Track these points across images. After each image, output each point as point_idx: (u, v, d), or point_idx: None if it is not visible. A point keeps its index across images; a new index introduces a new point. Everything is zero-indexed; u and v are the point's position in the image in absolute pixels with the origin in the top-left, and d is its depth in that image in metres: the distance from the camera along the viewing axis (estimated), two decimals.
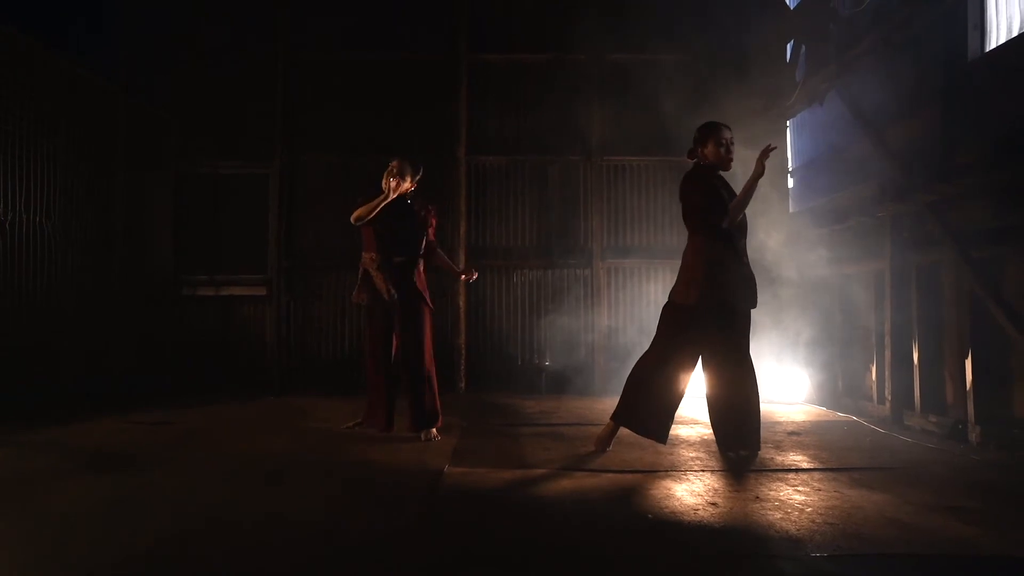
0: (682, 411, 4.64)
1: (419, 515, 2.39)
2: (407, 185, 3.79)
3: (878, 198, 4.62)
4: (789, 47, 6.08)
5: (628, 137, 6.35)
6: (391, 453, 3.39)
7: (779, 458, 3.32)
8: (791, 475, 2.97)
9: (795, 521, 2.30)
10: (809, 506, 2.48)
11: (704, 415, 3.64)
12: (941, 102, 4.17)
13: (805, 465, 3.18)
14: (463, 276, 4.17)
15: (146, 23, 6.14)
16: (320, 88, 6.37)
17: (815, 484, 2.80)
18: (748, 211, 3.40)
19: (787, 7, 6.14)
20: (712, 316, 3.29)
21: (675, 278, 3.46)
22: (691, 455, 3.39)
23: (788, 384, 5.50)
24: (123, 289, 5.56)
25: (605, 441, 3.45)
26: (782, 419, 4.58)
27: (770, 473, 3.02)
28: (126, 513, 2.39)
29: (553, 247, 6.36)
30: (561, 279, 6.35)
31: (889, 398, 4.48)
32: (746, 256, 3.42)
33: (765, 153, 3.24)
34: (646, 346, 3.47)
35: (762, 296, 5.32)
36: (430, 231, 3.95)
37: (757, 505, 2.50)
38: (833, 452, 3.49)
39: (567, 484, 2.81)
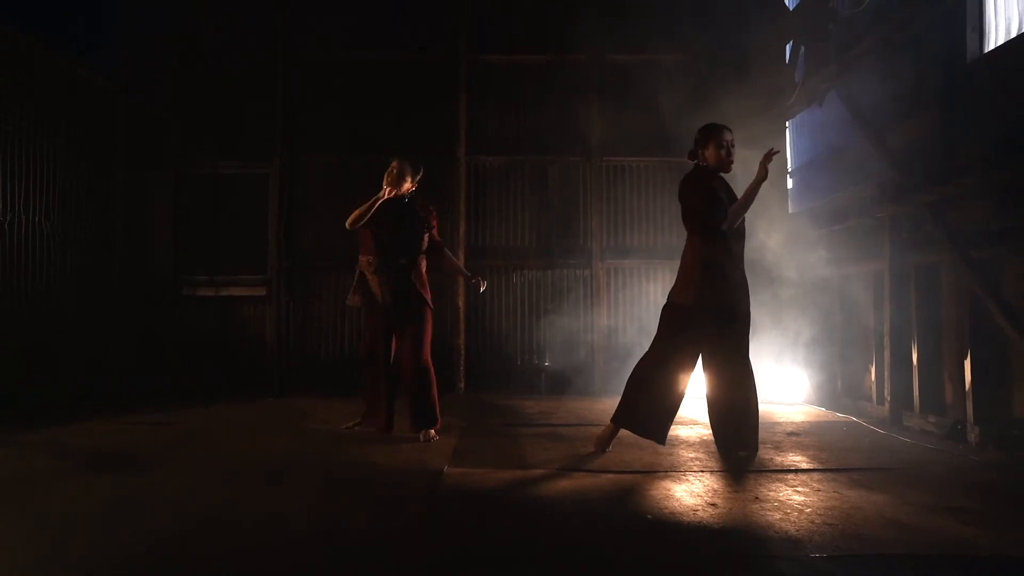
0: (682, 411, 4.64)
1: (419, 515, 2.39)
2: (408, 185, 3.79)
3: (877, 198, 4.62)
4: (788, 47, 6.09)
5: (628, 137, 6.35)
6: (391, 453, 3.39)
7: (778, 459, 3.32)
8: (790, 476, 2.98)
9: (794, 522, 2.30)
10: (808, 507, 2.48)
11: (703, 416, 3.64)
12: (941, 102, 4.18)
13: (804, 466, 3.18)
14: (473, 281, 3.98)
15: (146, 23, 6.14)
16: (320, 88, 6.38)
17: (814, 485, 2.81)
18: (747, 213, 3.41)
19: (786, 7, 6.14)
20: (711, 316, 3.29)
21: (675, 278, 3.47)
22: (690, 455, 3.39)
23: (787, 384, 5.50)
24: (123, 289, 5.56)
25: (605, 442, 3.45)
26: (781, 420, 4.58)
27: (769, 474, 3.02)
28: (126, 513, 2.39)
29: (553, 247, 6.36)
30: (561, 279, 6.35)
31: (888, 399, 4.48)
32: (742, 260, 3.42)
33: (768, 157, 3.24)
34: (646, 346, 3.47)
35: (762, 296, 5.39)
36: (433, 232, 3.94)
37: (756, 506, 2.51)
38: (832, 453, 3.49)
39: (567, 484, 2.81)
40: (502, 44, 6.41)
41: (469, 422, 4.41)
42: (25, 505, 2.48)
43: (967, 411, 3.76)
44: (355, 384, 4.01)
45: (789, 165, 6.53)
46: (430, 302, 3.83)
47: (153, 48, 6.15)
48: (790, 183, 6.50)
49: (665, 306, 3.43)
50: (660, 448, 3.45)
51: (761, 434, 3.44)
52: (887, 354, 4.52)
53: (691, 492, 2.70)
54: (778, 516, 2.37)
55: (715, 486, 2.80)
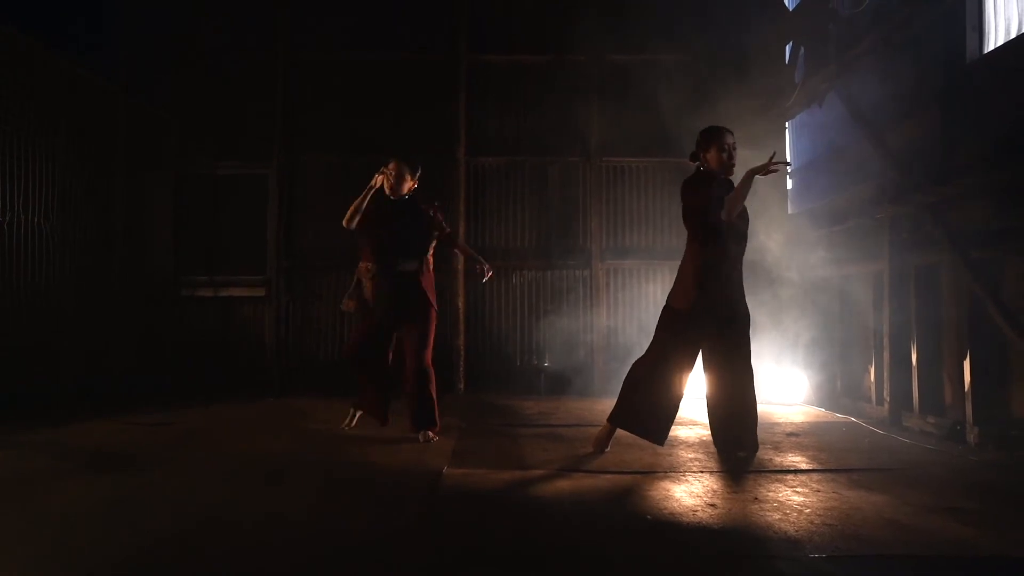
0: (681, 412, 4.65)
1: (419, 515, 2.39)
2: (409, 184, 3.77)
3: (877, 199, 4.62)
4: (788, 48, 6.09)
5: (628, 138, 6.35)
6: (391, 454, 3.39)
7: (778, 459, 3.33)
8: (790, 476, 2.98)
9: (794, 522, 2.31)
10: (808, 507, 2.48)
11: (703, 416, 3.64)
12: (941, 102, 4.18)
13: (804, 466, 3.18)
14: (478, 268, 3.94)
15: (146, 23, 6.14)
16: (320, 88, 6.38)
17: (814, 485, 2.81)
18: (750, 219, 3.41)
19: (786, 8, 6.15)
20: (710, 318, 3.29)
21: (674, 279, 3.47)
22: (690, 456, 3.39)
23: (787, 385, 5.50)
24: (123, 289, 5.56)
25: (603, 442, 3.45)
26: (781, 420, 4.58)
27: (769, 474, 3.02)
28: (126, 513, 2.39)
29: (552, 248, 6.36)
30: (560, 280, 6.35)
31: (888, 399, 4.48)
32: (740, 263, 3.41)
33: (771, 162, 3.16)
34: (646, 346, 3.47)
35: (762, 297, 5.40)
36: (442, 232, 3.94)
37: (756, 506, 2.51)
38: (832, 453, 3.49)
39: (566, 485, 2.82)
40: (502, 44, 6.42)
41: (469, 423, 4.41)
42: (25, 505, 2.48)
43: (966, 411, 3.76)
44: (355, 384, 4.00)
45: (788, 166, 6.52)
46: (435, 303, 3.83)
47: (153, 48, 6.15)
48: (790, 184, 6.50)
49: (664, 308, 3.43)
50: (659, 449, 3.45)
51: (760, 435, 3.44)
52: (886, 354, 4.53)
53: (690, 493, 2.70)
54: (777, 516, 2.37)
55: (714, 487, 2.80)
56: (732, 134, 3.41)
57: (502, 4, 6.45)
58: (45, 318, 4.66)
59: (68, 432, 3.89)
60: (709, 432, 3.55)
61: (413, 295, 3.74)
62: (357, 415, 4.04)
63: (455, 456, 3.34)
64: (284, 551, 2.02)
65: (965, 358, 3.80)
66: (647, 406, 3.34)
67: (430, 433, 3.71)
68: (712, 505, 2.53)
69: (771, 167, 3.13)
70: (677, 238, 6.26)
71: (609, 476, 2.97)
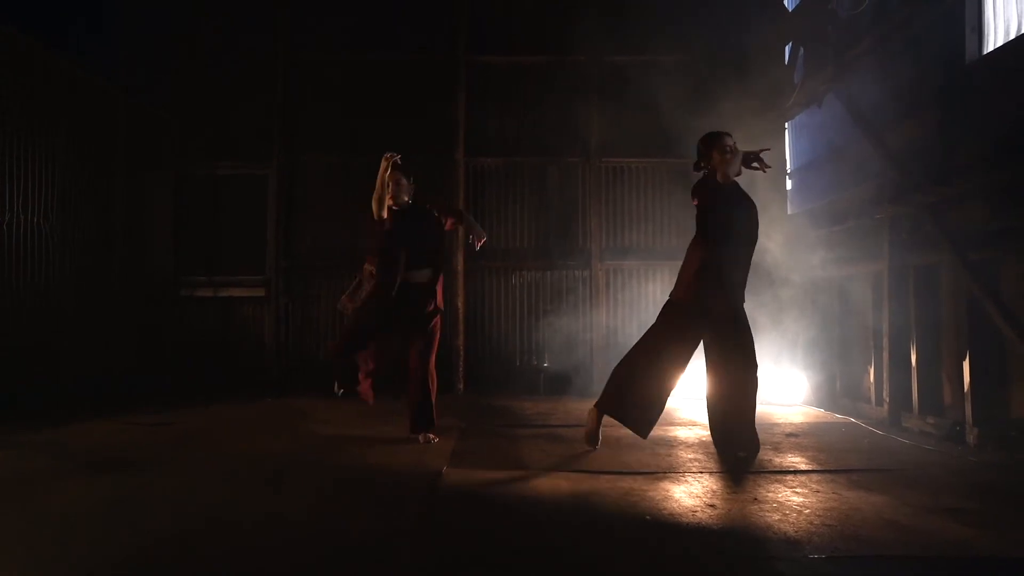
0: (680, 412, 4.66)
1: (419, 515, 2.39)
2: (410, 186, 3.76)
3: (877, 199, 4.63)
4: (788, 48, 6.09)
5: (627, 138, 6.35)
6: (390, 454, 3.39)
7: (777, 460, 3.33)
8: (789, 477, 2.98)
9: (793, 523, 2.31)
10: (807, 508, 2.48)
11: (702, 416, 3.65)
12: (940, 103, 4.18)
13: (803, 467, 3.18)
14: (471, 239, 3.95)
15: (146, 23, 6.15)
16: (320, 88, 6.38)
17: (813, 486, 2.81)
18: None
19: (786, 8, 6.15)
20: (709, 318, 3.29)
21: (674, 279, 3.48)
22: (689, 456, 3.39)
23: (786, 385, 5.50)
24: (123, 289, 5.56)
25: (593, 434, 3.46)
26: (780, 421, 4.58)
27: (768, 475, 3.02)
28: (126, 513, 2.39)
29: (552, 248, 6.37)
30: (560, 280, 6.35)
31: (887, 400, 4.48)
32: (747, 265, 3.40)
33: (761, 149, 3.35)
34: None
35: (762, 297, 5.40)
36: (448, 221, 3.91)
37: (755, 507, 2.51)
38: (831, 454, 3.49)
39: (565, 485, 2.82)
40: (502, 44, 6.42)
41: (468, 423, 4.41)
42: (25, 505, 2.48)
43: (966, 412, 3.76)
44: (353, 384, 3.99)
45: (788, 166, 6.53)
46: (443, 307, 3.84)
47: (153, 48, 6.16)
48: (789, 184, 6.50)
49: (665, 303, 3.46)
50: (659, 449, 3.45)
51: (760, 435, 3.44)
52: (886, 355, 4.53)
53: (690, 493, 2.70)
54: (777, 517, 2.37)
55: (714, 487, 2.80)
56: (730, 136, 3.41)
57: (502, 4, 6.45)
58: (45, 318, 4.66)
59: (68, 432, 3.89)
60: (709, 432, 3.55)
61: (424, 303, 3.71)
62: (341, 391, 3.99)
63: (455, 457, 3.34)
64: (284, 551, 2.02)
65: (964, 358, 3.80)
66: (631, 393, 3.34)
67: (430, 434, 3.71)
68: (712, 506, 2.53)
69: (759, 157, 3.33)
70: (677, 238, 6.27)
71: (609, 476, 2.97)
